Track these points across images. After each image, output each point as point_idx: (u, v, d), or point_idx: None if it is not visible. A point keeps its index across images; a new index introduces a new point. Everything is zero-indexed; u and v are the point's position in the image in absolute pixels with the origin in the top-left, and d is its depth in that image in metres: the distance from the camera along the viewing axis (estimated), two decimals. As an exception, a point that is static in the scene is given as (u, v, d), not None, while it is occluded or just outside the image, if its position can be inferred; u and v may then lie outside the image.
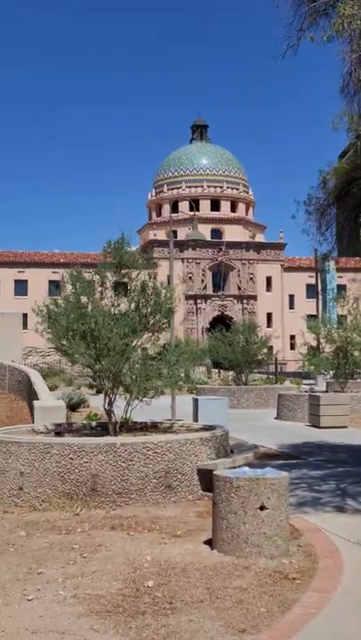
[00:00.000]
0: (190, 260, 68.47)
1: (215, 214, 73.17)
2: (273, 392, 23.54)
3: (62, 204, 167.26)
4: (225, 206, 74.64)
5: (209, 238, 63.67)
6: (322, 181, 10.38)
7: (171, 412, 17.09)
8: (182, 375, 10.32)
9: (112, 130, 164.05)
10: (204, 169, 75.06)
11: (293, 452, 13.10)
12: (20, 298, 60.97)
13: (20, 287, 65.86)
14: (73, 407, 20.81)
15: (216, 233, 71.49)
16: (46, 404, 14.00)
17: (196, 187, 73.54)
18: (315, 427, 17.65)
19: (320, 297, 43.24)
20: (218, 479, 6.31)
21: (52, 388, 26.04)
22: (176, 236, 56.87)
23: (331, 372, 22.64)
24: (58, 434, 10.01)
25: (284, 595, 5.12)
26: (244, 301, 70.10)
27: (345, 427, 17.33)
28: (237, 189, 76.16)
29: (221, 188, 74.69)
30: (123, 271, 10.37)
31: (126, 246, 10.31)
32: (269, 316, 69.47)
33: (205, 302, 69.09)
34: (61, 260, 64.60)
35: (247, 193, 77.94)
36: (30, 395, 17.40)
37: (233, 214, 74.62)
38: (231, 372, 28.63)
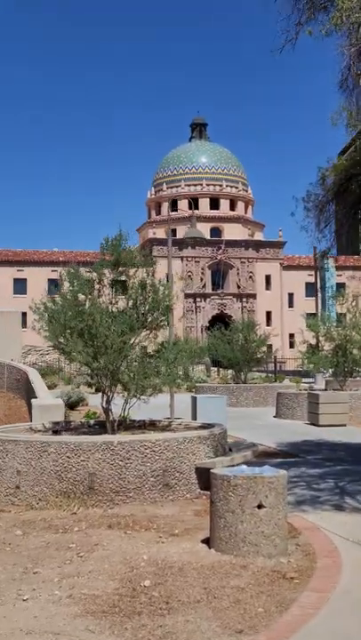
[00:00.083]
0: (189, 259, 68.38)
1: (214, 213, 73.05)
2: (272, 390, 23.50)
3: (61, 204, 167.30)
4: (224, 205, 74.52)
5: (208, 237, 63.54)
6: (321, 178, 10.31)
7: (169, 411, 17.04)
8: (181, 373, 10.24)
9: (112, 129, 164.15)
10: (203, 167, 74.94)
11: (292, 451, 13.05)
12: (19, 296, 60.86)
13: (20, 286, 65.72)
14: (72, 406, 20.75)
15: (215, 231, 71.39)
16: (44, 403, 13.95)
17: (195, 185, 73.42)
18: (314, 425, 17.60)
19: (319, 295, 43.21)
20: (215, 477, 6.25)
21: (50, 387, 25.96)
22: (175, 235, 56.90)
23: (330, 371, 22.58)
24: (55, 432, 9.95)
25: (282, 594, 5.07)
26: (244, 300, 70.02)
27: (344, 425, 17.29)
28: (236, 188, 76.04)
29: (220, 186, 74.57)
30: (120, 268, 10.30)
31: (124, 243, 10.24)
32: (269, 314, 69.39)
33: (205, 301, 69.01)
34: (60, 259, 64.38)
35: (246, 191, 77.82)
36: (29, 393, 17.35)
37: (232, 213, 74.50)
38: (230, 371, 28.58)
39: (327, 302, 39.39)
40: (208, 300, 69.22)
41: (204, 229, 52.11)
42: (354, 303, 21.95)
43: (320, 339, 22.38)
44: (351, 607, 4.83)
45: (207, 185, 73.88)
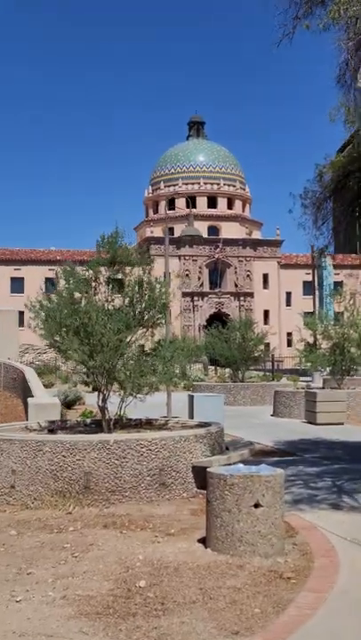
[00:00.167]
0: (187, 258, 68.32)
1: (212, 211, 72.96)
2: (269, 389, 23.45)
3: (60, 204, 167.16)
4: (222, 203, 74.43)
5: (206, 235, 63.50)
6: (318, 174, 10.24)
7: (166, 409, 16.99)
8: (177, 372, 10.17)
9: (112, 129, 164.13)
10: (200, 166, 74.85)
11: (289, 449, 13.00)
12: (17, 295, 60.66)
13: (17, 285, 65.60)
14: (68, 404, 20.68)
15: (213, 230, 71.32)
16: (40, 402, 13.87)
17: (192, 183, 73.33)
18: (311, 423, 17.55)
19: (317, 293, 43.19)
20: (212, 476, 6.19)
21: (47, 386, 25.90)
22: (173, 234, 56.75)
23: (327, 369, 22.53)
24: (51, 431, 9.89)
25: (278, 595, 5.00)
26: (241, 298, 69.97)
27: (341, 423, 17.25)
28: (234, 186, 75.95)
29: (218, 184, 74.48)
30: (116, 267, 10.22)
31: (120, 240, 10.16)
32: (266, 313, 69.36)
33: (202, 299, 68.95)
34: (58, 258, 64.20)
35: (244, 190, 77.75)
36: (25, 392, 17.26)
37: (230, 211, 74.41)
38: (228, 369, 28.52)
39: (325, 300, 39.38)
40: (206, 298, 69.16)
41: (201, 228, 51.98)
42: (351, 301, 21.91)
43: (318, 337, 22.34)
44: (349, 607, 4.77)
45: (205, 183, 73.79)
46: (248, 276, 70.74)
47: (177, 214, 61.88)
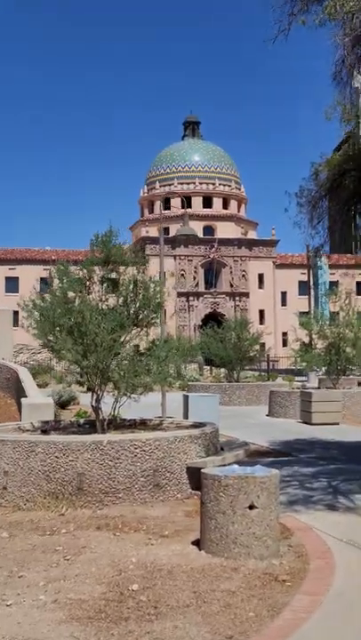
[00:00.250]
0: (182, 257, 68.25)
1: (207, 211, 72.91)
2: (265, 389, 23.36)
3: (56, 204, 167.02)
4: (217, 203, 74.40)
5: (201, 235, 63.42)
6: (314, 173, 10.17)
7: (161, 409, 16.90)
8: (172, 371, 10.09)
9: (112, 129, 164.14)
10: (196, 165, 74.79)
11: (285, 449, 12.93)
12: (11, 295, 60.49)
13: (11, 284, 65.47)
14: (63, 405, 20.56)
15: (208, 230, 71.26)
16: (34, 402, 13.78)
17: (188, 183, 73.26)
18: (306, 423, 17.49)
19: (312, 293, 43.16)
20: (206, 478, 6.11)
21: (42, 386, 25.74)
22: (168, 233, 56.69)
23: (323, 369, 22.48)
24: (44, 432, 9.79)
25: (273, 598, 4.92)
26: (237, 298, 69.94)
27: (337, 423, 17.18)
28: (229, 186, 75.92)
29: (213, 184, 74.43)
30: (110, 266, 10.13)
31: (114, 239, 10.07)
32: (262, 312, 69.35)
33: (197, 299, 68.90)
34: (53, 257, 64.06)
35: (239, 190, 77.72)
36: (19, 392, 17.16)
37: (225, 211, 74.38)
38: (223, 369, 28.45)
39: (320, 300, 39.32)
40: (201, 298, 69.11)
41: (197, 228, 51.92)
42: (347, 301, 21.86)
43: (313, 337, 22.28)
44: (345, 610, 4.70)
45: (200, 183, 73.75)
46: (243, 275, 70.71)
47: (172, 214, 61.81)
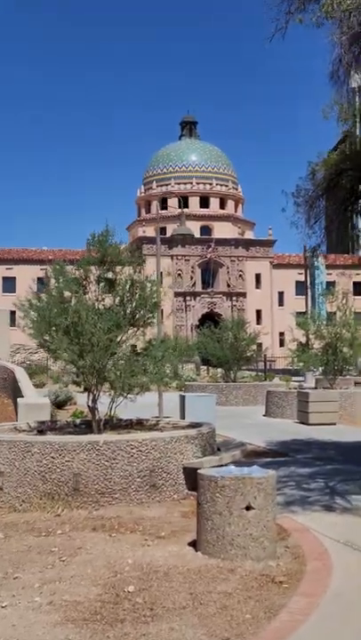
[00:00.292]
0: (179, 257, 68.20)
1: (204, 211, 72.87)
2: (262, 389, 23.35)
3: (53, 204, 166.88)
4: (214, 203, 74.36)
5: (198, 235, 63.44)
6: (311, 172, 10.13)
7: (158, 409, 16.87)
8: (168, 371, 10.05)
9: (112, 129, 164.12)
10: (193, 165, 74.74)
11: (282, 450, 12.90)
12: (9, 295, 60.27)
13: (8, 284, 65.31)
14: (59, 405, 20.52)
15: (205, 230, 71.23)
16: (30, 402, 13.72)
17: (185, 183, 73.20)
18: (303, 424, 17.47)
19: (309, 293, 43.17)
20: (202, 478, 6.07)
21: (39, 386, 25.69)
22: (165, 233, 56.63)
23: (320, 369, 22.45)
24: (40, 432, 9.75)
25: (270, 599, 4.89)
26: (234, 298, 69.92)
27: (334, 424, 17.17)
28: (226, 186, 75.90)
29: (210, 184, 74.39)
30: (106, 265, 10.09)
31: (111, 239, 10.03)
32: (259, 312, 69.32)
33: (194, 299, 68.85)
34: (50, 257, 63.78)
35: (236, 190, 77.70)
36: (15, 392, 17.10)
37: (222, 211, 74.35)
38: (220, 369, 28.41)
39: (317, 300, 39.35)
40: (198, 298, 69.06)
41: (194, 228, 51.92)
42: (344, 301, 21.83)
43: (310, 337, 22.26)
44: (342, 612, 4.67)
45: (197, 183, 73.69)
46: (240, 275, 70.69)
47: (169, 214, 61.72)
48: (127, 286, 9.99)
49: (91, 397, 9.68)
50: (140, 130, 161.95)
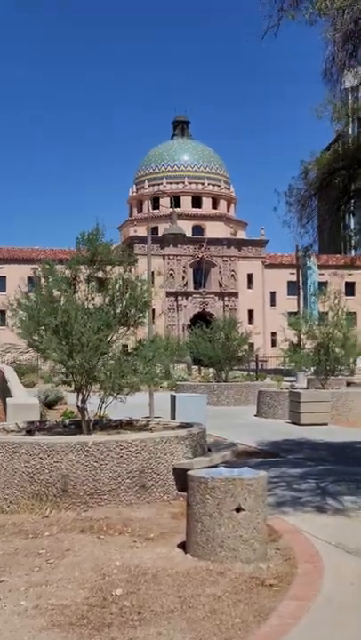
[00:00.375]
0: (171, 257, 68.14)
1: (196, 211, 72.86)
2: (253, 389, 23.30)
3: (57, 204, 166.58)
4: (206, 203, 74.36)
5: (190, 235, 63.39)
6: (303, 172, 10.08)
7: (149, 409, 16.79)
8: (159, 371, 9.97)
9: (111, 129, 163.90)
10: (185, 165, 74.70)
11: (273, 450, 12.84)
12: (-1, 294, 60.19)
13: (-1, 283, 65.01)
14: (49, 404, 20.41)
15: (197, 229, 71.21)
16: (19, 402, 13.61)
17: (177, 183, 73.15)
18: (295, 424, 17.42)
19: (301, 293, 43.19)
20: (192, 479, 5.99)
21: (29, 385, 25.57)
22: (157, 233, 56.56)
23: (312, 369, 22.43)
24: (29, 432, 9.64)
25: (260, 603, 4.81)
26: (225, 298, 69.93)
27: (325, 424, 17.13)
28: (219, 186, 75.91)
29: (203, 184, 74.38)
30: (96, 265, 9.99)
31: (101, 237, 9.93)
32: (251, 312, 69.38)
33: (186, 299, 68.81)
34: (41, 257, 63.60)
35: (228, 190, 77.73)
36: (4, 392, 16.98)
37: (214, 211, 74.36)
38: (211, 369, 28.37)
39: (309, 300, 39.37)
40: (190, 298, 69.03)
41: (186, 227, 51.83)
42: (336, 301, 21.82)
43: (302, 337, 22.24)
44: (333, 616, 4.60)
45: (189, 183, 73.66)
46: (232, 275, 70.72)
47: (161, 213, 61.66)
48: (117, 286, 9.91)
49: (80, 398, 9.59)
50: (140, 130, 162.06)
